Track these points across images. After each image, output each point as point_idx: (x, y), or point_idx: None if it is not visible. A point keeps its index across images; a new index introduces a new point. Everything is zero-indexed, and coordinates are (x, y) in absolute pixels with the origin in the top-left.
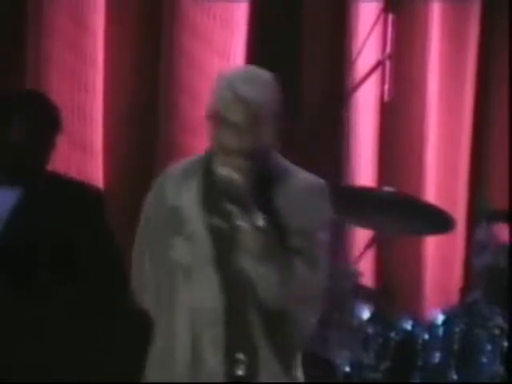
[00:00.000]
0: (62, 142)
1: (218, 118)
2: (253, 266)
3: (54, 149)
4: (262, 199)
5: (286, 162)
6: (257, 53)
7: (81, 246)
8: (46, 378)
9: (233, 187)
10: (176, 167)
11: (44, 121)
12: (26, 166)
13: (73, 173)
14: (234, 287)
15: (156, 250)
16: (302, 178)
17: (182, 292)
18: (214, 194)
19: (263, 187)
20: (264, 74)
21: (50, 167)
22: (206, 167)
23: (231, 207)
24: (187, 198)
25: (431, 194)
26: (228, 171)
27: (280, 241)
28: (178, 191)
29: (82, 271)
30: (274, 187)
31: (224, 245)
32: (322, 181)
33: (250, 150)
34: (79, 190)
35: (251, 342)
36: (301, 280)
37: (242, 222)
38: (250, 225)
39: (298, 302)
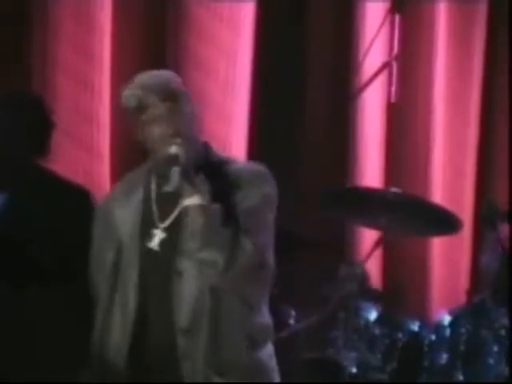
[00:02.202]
0: (68, 144)
1: (134, 116)
2: (197, 252)
3: (46, 147)
4: (203, 181)
5: (224, 155)
6: (263, 54)
7: (68, 246)
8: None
9: (177, 162)
10: (118, 186)
11: (29, 120)
12: (13, 167)
13: (79, 175)
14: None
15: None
16: (242, 164)
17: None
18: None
19: (204, 171)
20: (162, 71)
21: (56, 169)
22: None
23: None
24: (126, 213)
25: (437, 195)
26: (170, 149)
27: (225, 220)
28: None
29: (68, 270)
30: (213, 172)
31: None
32: (262, 166)
33: (175, 134)
34: (67, 190)
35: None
36: (247, 259)
37: (187, 200)
38: (195, 201)
39: (245, 279)
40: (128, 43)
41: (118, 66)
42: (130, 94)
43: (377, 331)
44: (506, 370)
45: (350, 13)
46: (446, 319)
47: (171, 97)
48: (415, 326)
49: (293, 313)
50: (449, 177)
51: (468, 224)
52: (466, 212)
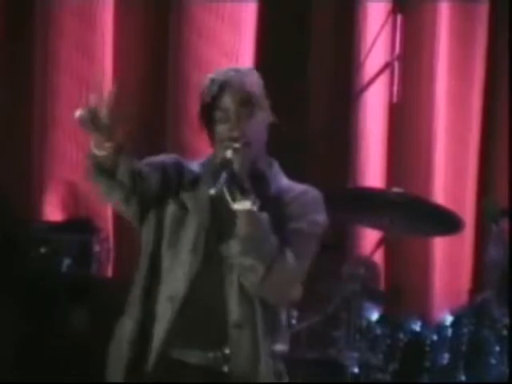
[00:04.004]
0: (70, 144)
1: (209, 112)
2: (239, 257)
3: None
4: (257, 188)
5: (279, 170)
6: (264, 54)
7: None
8: None
9: (229, 167)
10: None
11: None
12: None
13: (81, 175)
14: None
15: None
16: (301, 187)
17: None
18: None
19: (259, 179)
20: (246, 68)
21: (58, 169)
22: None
23: (227, 192)
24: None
25: (439, 195)
26: (226, 153)
27: (271, 229)
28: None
29: None
30: (268, 183)
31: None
32: (316, 189)
33: (243, 137)
34: None
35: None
36: (288, 271)
37: (236, 205)
38: (242, 206)
39: (279, 290)
40: (130, 43)
41: (120, 65)
42: (208, 88)
43: (378, 331)
44: (507, 370)
45: (351, 13)
46: (448, 319)
47: (246, 101)
48: (417, 326)
49: (295, 313)
50: (450, 177)
51: (470, 224)
52: (467, 212)
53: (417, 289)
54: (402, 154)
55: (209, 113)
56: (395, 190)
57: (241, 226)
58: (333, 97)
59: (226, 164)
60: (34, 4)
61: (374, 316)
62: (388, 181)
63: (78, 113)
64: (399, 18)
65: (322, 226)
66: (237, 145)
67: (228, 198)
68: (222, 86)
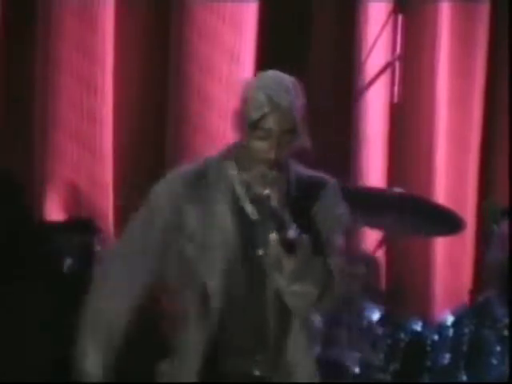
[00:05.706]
0: (70, 144)
1: (252, 126)
2: (288, 287)
3: None
4: (296, 211)
5: (295, 164)
6: (266, 54)
7: None
8: None
9: (269, 204)
10: (188, 170)
11: None
12: None
13: (82, 175)
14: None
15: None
16: (317, 178)
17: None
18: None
19: (294, 198)
20: (290, 79)
21: (59, 169)
22: (225, 175)
23: (266, 224)
24: (217, 211)
25: (440, 195)
26: (264, 190)
27: (315, 251)
28: (196, 198)
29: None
30: (301, 196)
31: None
32: (331, 178)
33: (278, 162)
34: None
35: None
36: (337, 286)
37: (276, 241)
38: (284, 239)
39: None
40: (131, 43)
41: (121, 66)
42: (255, 101)
43: (379, 331)
44: (508, 370)
45: (352, 13)
46: (449, 319)
47: (291, 128)
48: (418, 326)
49: None
50: (451, 177)
51: (471, 224)
52: (468, 212)
53: (418, 289)
54: (403, 153)
55: (250, 127)
56: (396, 189)
57: (285, 259)
58: (334, 96)
59: (264, 201)
60: (35, 4)
61: (375, 316)
62: (389, 181)
63: None
64: (400, 18)
65: (346, 218)
66: (273, 174)
67: (272, 228)
68: (271, 107)
